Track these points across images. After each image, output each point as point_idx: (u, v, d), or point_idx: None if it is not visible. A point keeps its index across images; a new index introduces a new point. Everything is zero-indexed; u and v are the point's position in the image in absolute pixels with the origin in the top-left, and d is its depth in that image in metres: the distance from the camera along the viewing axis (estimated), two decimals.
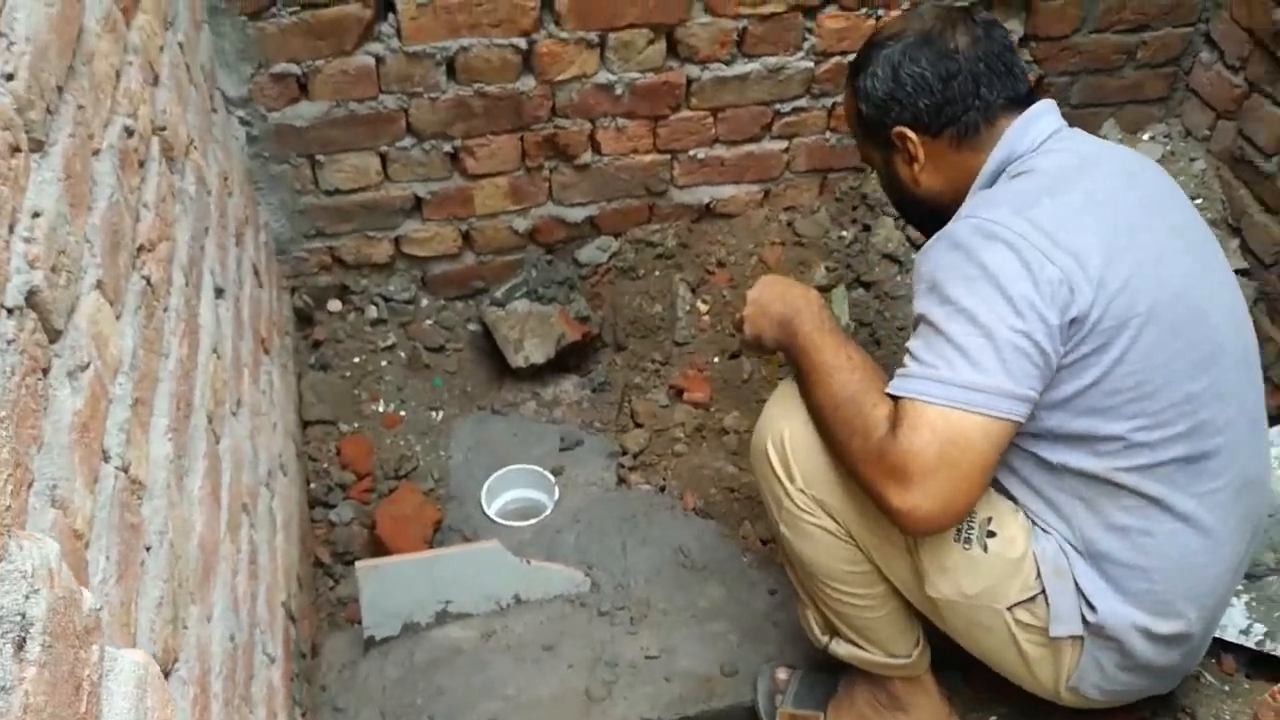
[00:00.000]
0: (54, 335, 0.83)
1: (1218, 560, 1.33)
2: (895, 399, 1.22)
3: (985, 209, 1.25)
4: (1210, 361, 1.26)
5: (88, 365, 0.90)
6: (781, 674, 1.74)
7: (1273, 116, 2.11)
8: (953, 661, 1.58)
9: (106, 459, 0.91)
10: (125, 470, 0.95)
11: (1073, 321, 1.19)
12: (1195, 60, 2.34)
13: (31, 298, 0.80)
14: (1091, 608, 1.31)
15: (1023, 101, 1.36)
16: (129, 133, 1.14)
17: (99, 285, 0.96)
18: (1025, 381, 1.18)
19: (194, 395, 1.25)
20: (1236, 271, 2.21)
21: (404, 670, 1.80)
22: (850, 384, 1.30)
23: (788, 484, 1.40)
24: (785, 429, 1.41)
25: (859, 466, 1.25)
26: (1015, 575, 1.32)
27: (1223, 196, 2.28)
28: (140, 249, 1.13)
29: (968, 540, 1.32)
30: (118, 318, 1.01)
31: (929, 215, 1.42)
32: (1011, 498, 1.36)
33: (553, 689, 1.76)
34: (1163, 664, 1.36)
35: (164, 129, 1.32)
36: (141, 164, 1.19)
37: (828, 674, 1.69)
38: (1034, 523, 1.34)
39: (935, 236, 1.29)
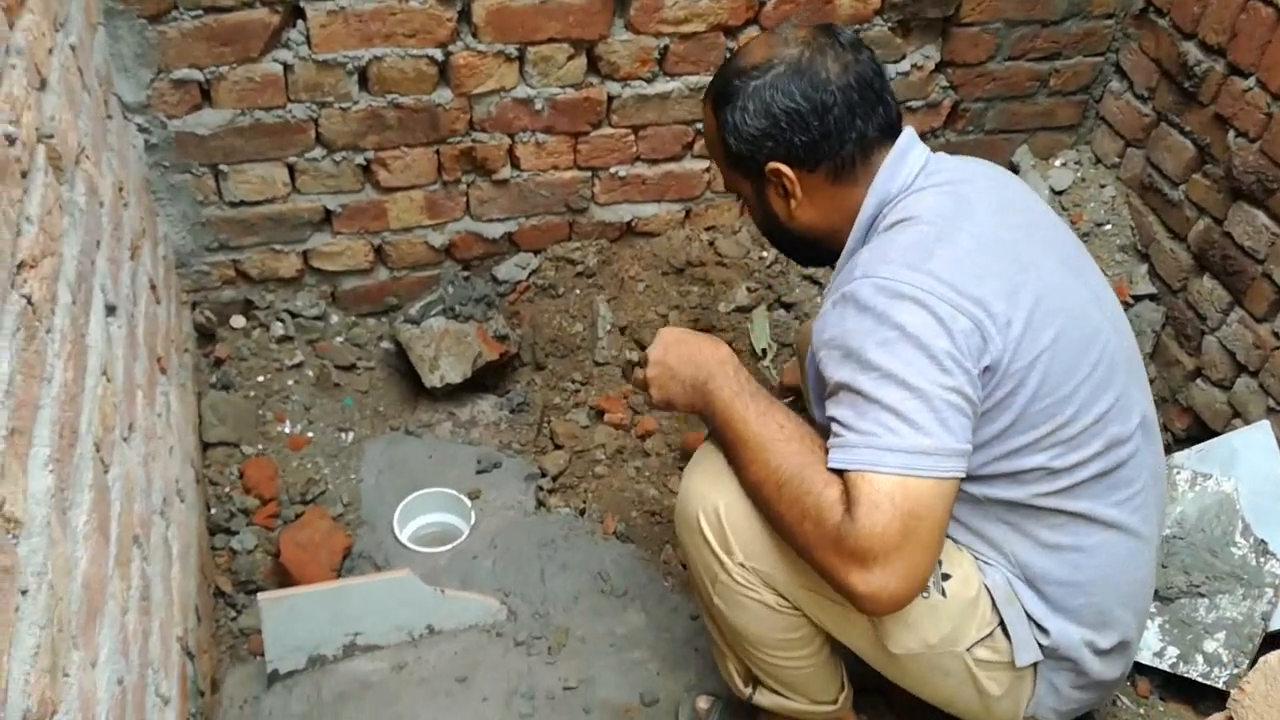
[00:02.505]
0: None
1: (1145, 561, 1.35)
2: (841, 473, 1.16)
3: (880, 266, 1.20)
4: (1110, 377, 1.26)
5: None
6: (702, 703, 1.71)
7: (1179, 145, 2.17)
8: (870, 684, 1.57)
9: None
10: None
11: (986, 369, 1.17)
12: (1105, 89, 2.41)
13: None
14: (1043, 631, 1.31)
15: (893, 129, 1.32)
16: (10, 140, 1.05)
17: None
18: (962, 435, 1.16)
19: (80, 422, 1.16)
20: (1145, 297, 2.28)
21: (309, 705, 1.72)
22: (790, 459, 1.22)
23: (725, 558, 1.33)
24: (720, 501, 1.32)
25: (814, 553, 1.18)
26: (973, 613, 1.30)
27: (1131, 223, 2.34)
28: (21, 265, 1.04)
29: (926, 590, 1.28)
30: None
31: (804, 247, 1.41)
32: (950, 537, 1.34)
33: None
34: (1110, 677, 1.37)
35: (51, 137, 1.23)
36: (25, 174, 1.10)
37: (748, 707, 1.66)
38: (977, 558, 1.33)
39: (832, 301, 1.24)
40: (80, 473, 1.12)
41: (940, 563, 1.30)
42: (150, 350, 1.66)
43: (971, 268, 1.19)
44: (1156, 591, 1.68)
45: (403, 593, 1.75)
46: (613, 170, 2.26)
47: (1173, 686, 1.69)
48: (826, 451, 1.19)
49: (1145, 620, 1.43)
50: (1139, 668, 1.67)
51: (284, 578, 1.91)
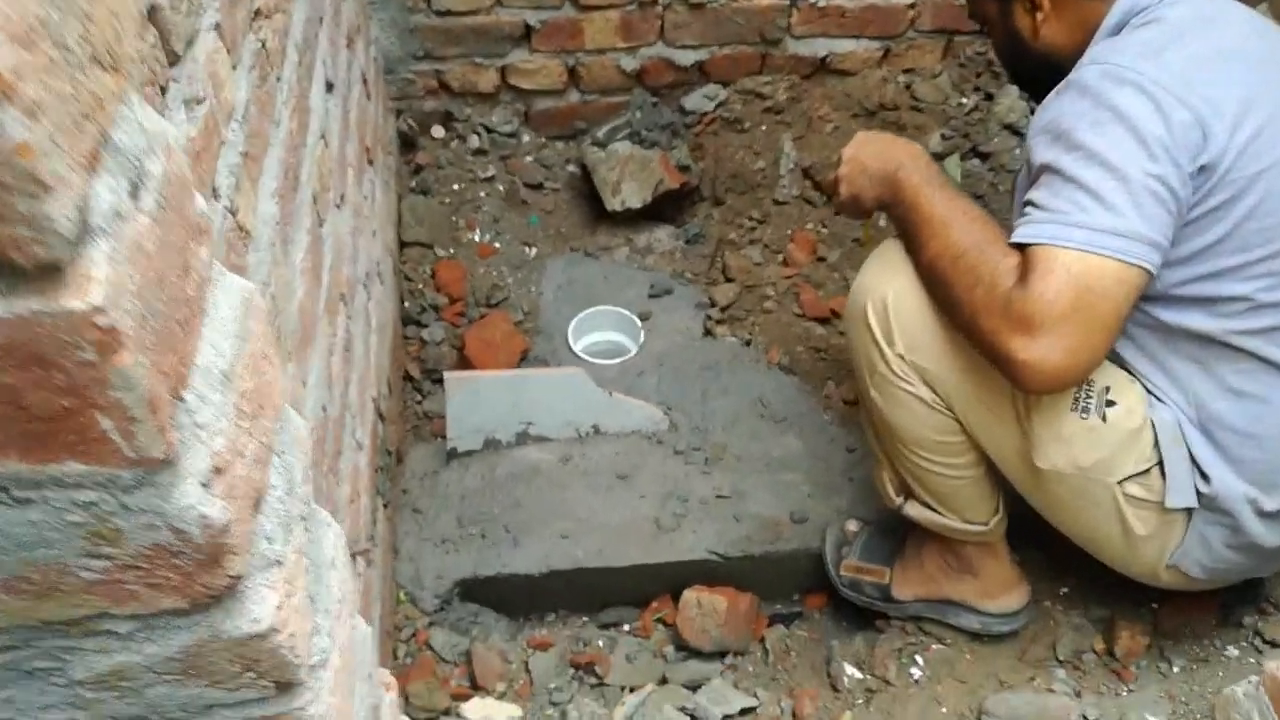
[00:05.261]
0: (173, 58, 0.84)
1: None
2: (1023, 248, 1.15)
3: (1111, 55, 1.18)
4: None
5: (203, 100, 0.91)
6: (851, 526, 1.74)
7: None
8: (1028, 531, 1.56)
9: (216, 196, 0.94)
10: (233, 213, 0.97)
11: (1203, 169, 1.13)
12: None
13: (153, 14, 0.81)
14: (1205, 478, 1.27)
15: None
16: None
17: (218, 28, 0.96)
18: (1159, 228, 1.12)
19: (301, 171, 1.27)
20: None
21: (483, 482, 1.86)
22: (971, 235, 1.22)
23: (886, 348, 1.35)
24: (889, 290, 1.34)
25: (980, 318, 1.17)
26: (1133, 446, 1.27)
27: None
28: (258, 12, 1.13)
29: (1085, 409, 1.26)
30: (234, 68, 1.02)
31: (1044, 73, 1.34)
32: (1125, 367, 1.31)
33: (623, 516, 1.80)
34: (1270, 544, 1.31)
35: None
36: None
37: (896, 530, 1.69)
38: (1149, 392, 1.29)
39: (1057, 88, 1.22)
40: (300, 215, 1.24)
41: (1108, 388, 1.27)
42: (360, 138, 1.78)
43: (1207, 68, 1.14)
44: None
45: (574, 390, 1.85)
46: (812, 0, 2.20)
47: None
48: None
49: None
50: None
51: (467, 369, 2.04)
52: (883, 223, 2.18)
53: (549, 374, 1.84)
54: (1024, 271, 1.13)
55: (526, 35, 2.20)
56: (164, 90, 0.83)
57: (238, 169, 0.99)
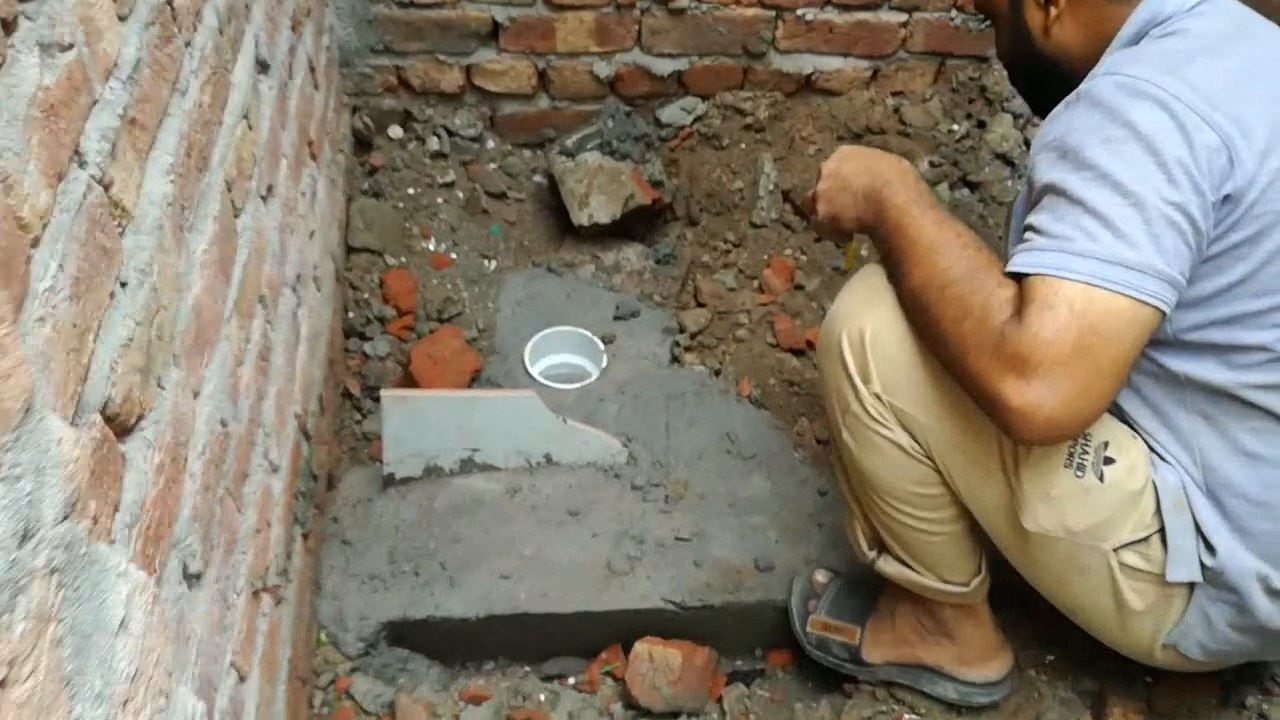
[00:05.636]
0: None
1: None
2: (1020, 279, 1.00)
3: (1129, 65, 1.05)
4: None
5: (70, 47, 0.75)
6: (820, 577, 1.59)
7: None
8: (1012, 592, 1.41)
9: (81, 163, 0.78)
10: (104, 185, 0.81)
11: (1227, 199, 0.99)
12: None
13: None
14: (1210, 549, 1.12)
15: None
16: None
17: None
18: (1176, 262, 0.98)
19: (212, 152, 1.11)
20: None
21: (421, 513, 1.69)
22: (962, 262, 1.07)
23: (860, 386, 1.20)
24: (867, 321, 1.19)
25: (968, 356, 1.02)
26: (1131, 510, 1.13)
27: None
28: None
29: (1081, 466, 1.12)
30: (121, 19, 0.87)
31: (1049, 79, 1.21)
32: (1126, 421, 1.17)
33: (573, 555, 1.64)
34: (1277, 627, 1.17)
35: None
36: None
37: (869, 584, 1.53)
38: (1152, 450, 1.15)
39: (1066, 99, 1.09)
40: (206, 200, 1.08)
41: (1106, 443, 1.12)
42: (302, 129, 1.62)
43: (1237, 85, 1.00)
44: None
45: (525, 414, 1.69)
46: (799, 12, 2.08)
47: None
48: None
49: None
50: None
51: (411, 387, 1.88)
52: (865, 251, 2.05)
53: (498, 396, 1.68)
54: (1020, 305, 0.99)
55: (494, 33, 2.06)
56: (8, 26, 0.67)
57: (115, 134, 0.83)
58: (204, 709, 0.83)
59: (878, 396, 1.18)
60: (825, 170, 1.25)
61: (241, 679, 1.11)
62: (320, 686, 1.51)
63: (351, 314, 1.98)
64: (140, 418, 0.86)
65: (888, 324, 1.17)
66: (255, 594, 1.18)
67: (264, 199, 1.34)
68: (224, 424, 1.09)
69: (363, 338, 1.96)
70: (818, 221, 1.27)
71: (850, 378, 1.20)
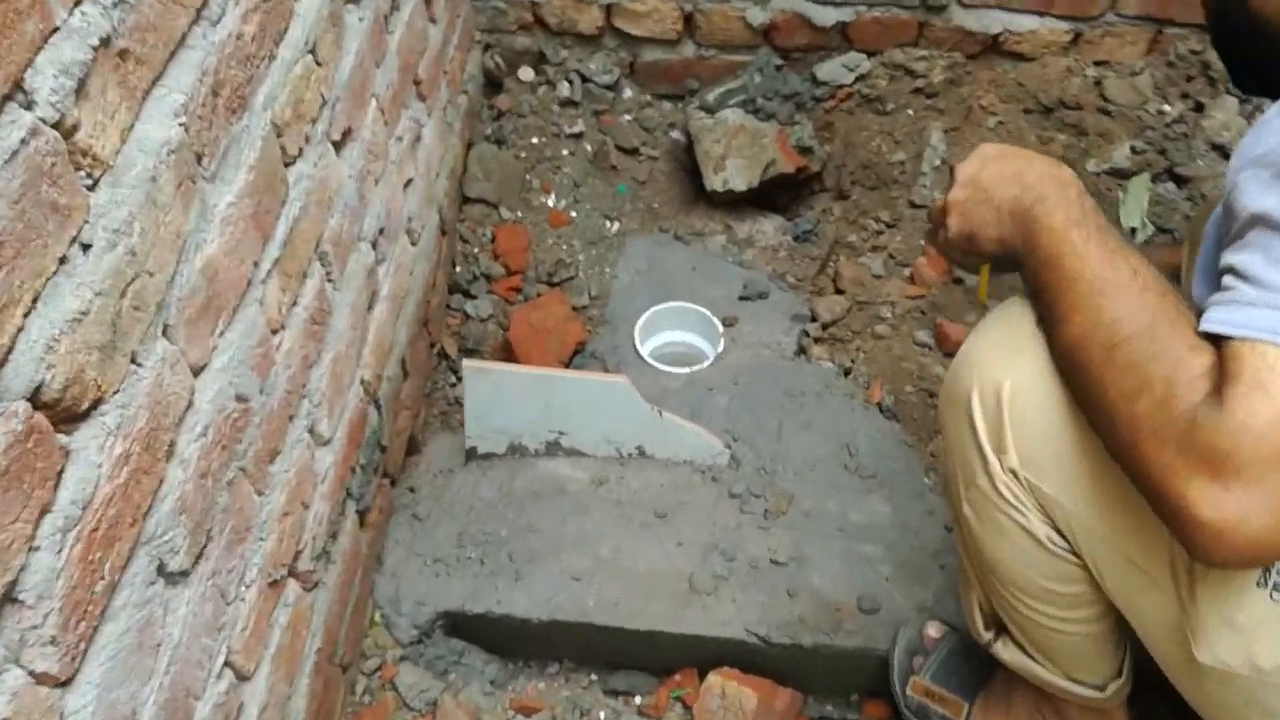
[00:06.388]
0: None
1: None
2: (1219, 341, 0.75)
3: None
4: None
5: None
6: (932, 631, 1.36)
7: None
8: (1156, 686, 1.15)
9: (27, 104, 0.64)
10: (63, 130, 0.68)
11: None
12: None
13: None
14: None
15: None
16: None
17: None
18: None
19: (255, 91, 0.97)
20: None
21: (500, 493, 1.56)
22: (1139, 312, 0.81)
23: (991, 456, 0.95)
24: (1006, 377, 0.93)
25: (1143, 444, 0.77)
26: None
27: None
28: None
29: (1278, 587, 0.87)
30: None
31: (1261, 51, 0.91)
32: None
33: (653, 562, 1.47)
34: None
35: None
36: None
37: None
38: None
39: (1278, 108, 0.80)
40: (237, 147, 0.94)
41: None
42: (406, 66, 1.48)
43: None
44: None
45: (617, 401, 1.52)
46: None
47: None
48: (1199, 316, 0.77)
49: None
50: None
51: (509, 356, 1.74)
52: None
53: (586, 378, 1.52)
54: (1220, 380, 0.73)
55: None
56: None
57: (86, 69, 0.70)
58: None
59: (1013, 473, 0.93)
60: (961, 174, 0.99)
61: (241, 679, 1.01)
62: (365, 672, 1.41)
63: (459, 268, 1.85)
64: (98, 402, 0.73)
65: (1033, 381, 0.91)
66: (273, 584, 1.07)
67: (336, 145, 1.20)
68: (242, 399, 0.97)
69: (467, 295, 1.84)
70: (947, 239, 1.00)
71: (979, 445, 0.95)
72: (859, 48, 1.93)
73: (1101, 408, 0.81)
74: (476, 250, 1.87)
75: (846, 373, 1.75)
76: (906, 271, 1.87)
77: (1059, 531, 0.94)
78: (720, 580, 1.45)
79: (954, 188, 0.98)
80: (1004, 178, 0.95)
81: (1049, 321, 0.89)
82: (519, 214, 1.92)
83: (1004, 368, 0.93)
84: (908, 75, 1.92)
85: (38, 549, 0.67)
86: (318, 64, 1.12)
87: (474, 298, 1.84)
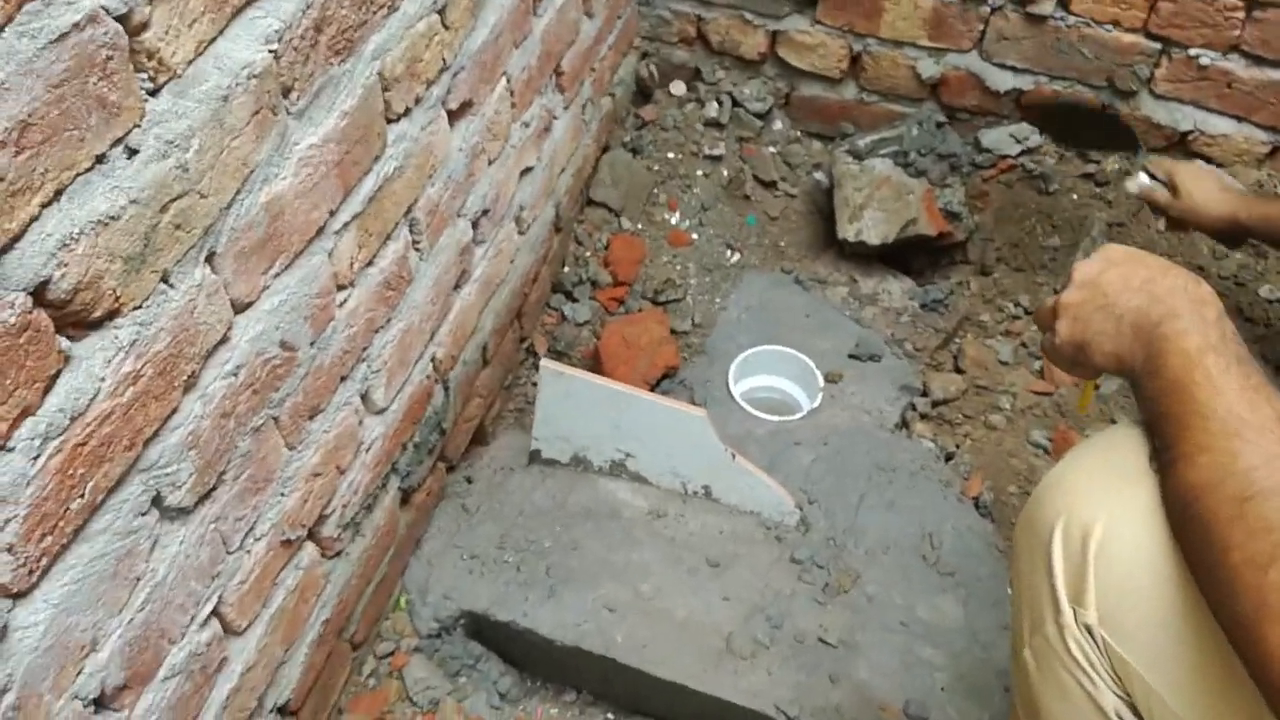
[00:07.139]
0: None
1: None
2: None
3: None
4: None
5: None
6: None
7: None
8: None
9: None
10: (126, 23, 0.65)
11: None
12: None
13: None
14: None
15: None
16: None
17: None
18: None
19: (364, 38, 0.94)
20: None
21: (552, 504, 1.50)
22: (1277, 464, 0.68)
23: (1065, 605, 0.80)
24: (1099, 515, 0.79)
25: (1269, 624, 0.64)
26: None
27: None
28: None
29: None
30: None
31: None
32: None
33: (693, 612, 1.38)
34: None
35: None
36: None
37: None
38: None
39: None
40: (334, 89, 0.91)
41: None
42: (549, 54, 1.45)
43: None
44: None
45: (691, 434, 1.44)
46: (1193, 52, 1.63)
47: None
48: None
49: None
50: None
51: (596, 366, 1.68)
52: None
53: (663, 403, 1.44)
54: None
55: (814, 0, 1.78)
56: None
57: None
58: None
59: (1088, 629, 0.79)
60: (1080, 274, 0.86)
61: (230, 632, 0.96)
62: (377, 655, 1.36)
63: (567, 268, 1.81)
64: (114, 314, 0.70)
65: (1132, 526, 0.77)
66: (286, 542, 1.03)
67: (451, 114, 1.17)
68: (287, 347, 0.93)
69: (569, 296, 1.79)
70: (1053, 344, 0.87)
71: (1054, 589, 0.81)
72: (1031, 119, 1.80)
73: (1219, 572, 0.68)
74: (589, 254, 1.83)
75: (948, 458, 1.62)
76: (1037, 365, 1.72)
77: (1132, 709, 0.79)
78: (760, 647, 1.35)
79: (1070, 288, 0.86)
80: (1130, 285, 0.82)
81: (1166, 458, 0.75)
82: (639, 226, 1.86)
83: (1099, 504, 0.79)
84: (1079, 158, 1.77)
85: (10, 450, 0.64)
86: (445, 26, 1.09)
87: (575, 300, 1.79)
